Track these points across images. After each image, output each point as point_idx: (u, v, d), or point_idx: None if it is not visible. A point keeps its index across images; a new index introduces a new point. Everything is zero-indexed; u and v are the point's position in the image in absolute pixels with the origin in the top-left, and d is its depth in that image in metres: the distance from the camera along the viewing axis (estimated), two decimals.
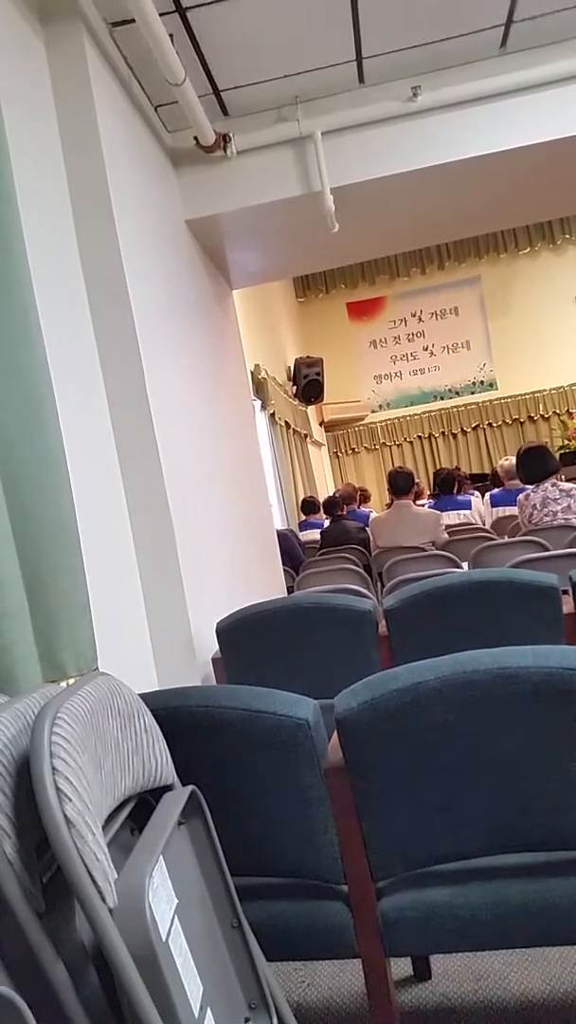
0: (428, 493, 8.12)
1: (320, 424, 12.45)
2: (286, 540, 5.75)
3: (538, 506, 4.14)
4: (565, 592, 2.40)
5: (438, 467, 9.86)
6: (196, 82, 3.26)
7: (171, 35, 2.78)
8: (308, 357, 10.45)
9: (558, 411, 12.45)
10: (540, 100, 3.60)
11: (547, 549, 3.52)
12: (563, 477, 6.14)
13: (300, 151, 3.71)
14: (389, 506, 5.41)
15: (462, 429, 12.87)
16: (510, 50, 3.60)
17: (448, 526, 5.17)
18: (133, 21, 2.65)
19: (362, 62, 3.50)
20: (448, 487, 5.98)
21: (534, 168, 3.91)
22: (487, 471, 10.76)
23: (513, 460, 5.04)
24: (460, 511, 5.83)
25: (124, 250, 2.65)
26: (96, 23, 2.74)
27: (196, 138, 3.53)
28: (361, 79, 3.65)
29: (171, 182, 3.68)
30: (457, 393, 12.90)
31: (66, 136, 2.59)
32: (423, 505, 6.02)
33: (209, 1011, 1.06)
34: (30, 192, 2.25)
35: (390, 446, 13.04)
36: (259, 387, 7.31)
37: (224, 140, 3.63)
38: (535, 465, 4.22)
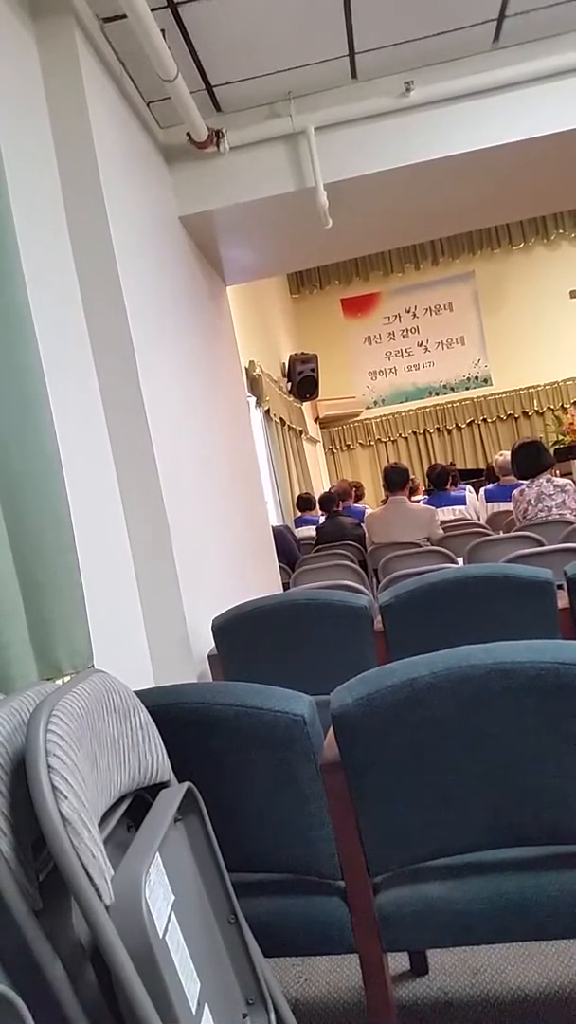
0: (423, 489, 8.12)
1: (315, 420, 12.44)
2: (282, 537, 5.75)
3: (533, 501, 4.15)
4: (560, 587, 2.40)
5: (433, 463, 9.86)
6: (188, 78, 3.25)
7: (163, 30, 2.77)
8: (303, 353, 10.44)
9: (552, 406, 12.47)
10: (533, 95, 3.60)
11: (542, 544, 3.53)
12: (558, 472, 6.14)
13: (293, 147, 3.71)
14: (384, 502, 5.41)
15: (457, 425, 12.88)
16: (503, 45, 3.60)
17: (443, 522, 5.18)
18: (125, 17, 2.64)
19: (355, 57, 3.49)
20: (441, 483, 5.98)
21: (528, 163, 3.91)
22: (482, 467, 10.77)
23: (508, 456, 5.04)
24: (454, 507, 5.84)
25: (117, 247, 2.64)
26: (87, 19, 2.73)
27: (189, 134, 3.52)
28: (354, 74, 3.64)
29: (164, 178, 3.67)
30: (452, 389, 12.91)
31: (58, 133, 2.58)
32: (418, 501, 6.02)
33: (207, 1007, 1.06)
34: (22, 189, 2.24)
35: (385, 442, 13.05)
36: (254, 384, 7.31)
37: (217, 136, 3.62)
38: (530, 461, 4.22)
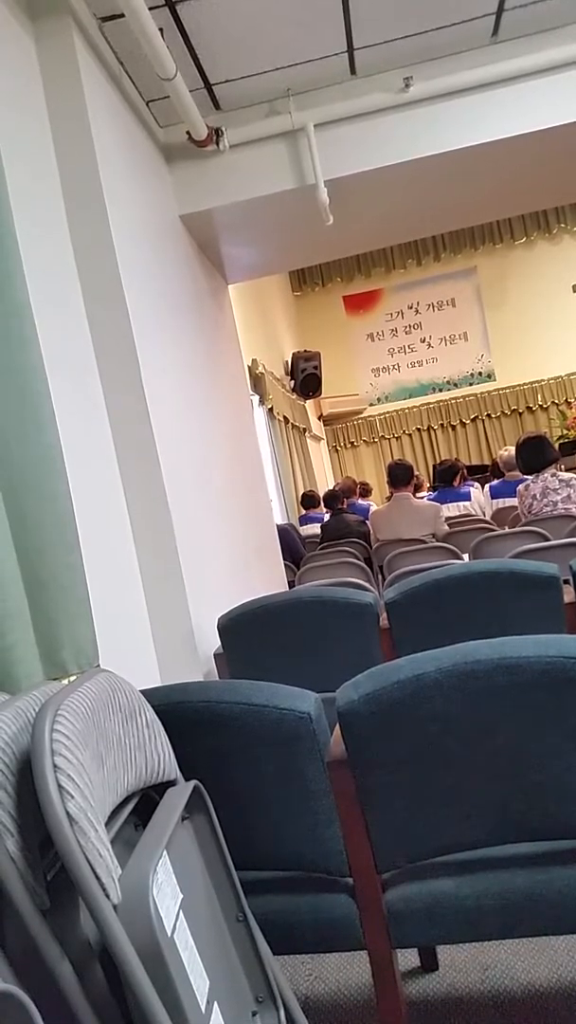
0: (428, 485, 8.11)
1: (319, 418, 12.43)
2: (286, 535, 5.74)
3: (538, 496, 4.14)
4: (566, 582, 2.39)
5: (438, 459, 9.84)
6: (187, 76, 3.25)
7: (161, 29, 2.77)
8: (305, 351, 10.43)
9: (556, 401, 12.44)
10: (532, 88, 3.59)
11: (547, 539, 3.52)
12: (562, 467, 6.13)
13: (293, 144, 3.70)
14: (389, 499, 5.41)
15: (461, 421, 12.86)
16: (502, 39, 3.58)
17: (448, 518, 5.17)
18: (123, 16, 2.64)
19: (353, 53, 3.48)
20: (449, 478, 5.96)
21: (528, 157, 3.90)
22: (486, 462, 10.76)
23: (512, 451, 5.03)
24: (460, 503, 5.83)
25: (118, 246, 2.64)
26: (85, 18, 2.73)
27: (188, 133, 3.52)
28: (353, 70, 3.63)
29: (164, 177, 3.67)
30: (455, 385, 12.88)
31: (57, 132, 2.58)
32: (423, 497, 6.01)
33: (216, 1005, 1.06)
34: (22, 189, 2.24)
35: (389, 439, 13.03)
36: (257, 382, 7.31)
37: (216, 134, 3.61)
38: (534, 455, 4.21)
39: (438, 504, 5.23)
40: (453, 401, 12.86)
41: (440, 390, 12.92)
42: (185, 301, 3.66)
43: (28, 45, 2.53)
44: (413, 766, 1.29)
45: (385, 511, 5.25)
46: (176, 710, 1.38)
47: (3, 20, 2.38)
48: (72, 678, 1.56)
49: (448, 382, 12.90)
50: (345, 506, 6.24)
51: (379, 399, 13.04)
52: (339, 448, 13.21)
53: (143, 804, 1.21)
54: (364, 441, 13.10)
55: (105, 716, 1.11)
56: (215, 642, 2.71)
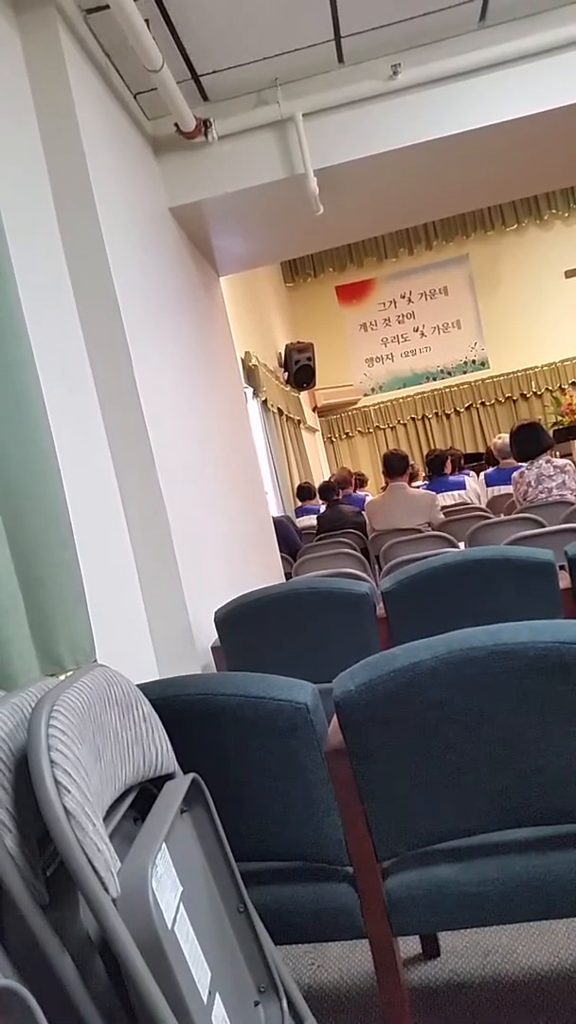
0: (423, 475, 8.10)
1: (313, 410, 12.42)
2: (283, 526, 5.74)
3: (533, 483, 4.14)
4: (562, 567, 2.40)
5: (433, 448, 9.84)
6: (174, 68, 3.23)
7: (147, 20, 2.74)
8: (299, 342, 10.40)
9: (550, 387, 12.44)
10: (520, 74, 3.57)
11: (543, 526, 3.52)
12: (557, 453, 6.14)
13: (282, 134, 3.69)
14: (384, 489, 5.41)
15: (455, 409, 12.85)
16: (489, 24, 3.57)
17: (443, 506, 5.17)
18: (108, 7, 2.62)
19: (340, 41, 3.46)
20: (438, 468, 5.97)
21: (517, 142, 3.88)
22: (481, 451, 10.76)
23: (507, 438, 5.03)
24: (453, 491, 5.83)
25: (107, 240, 2.63)
26: (70, 10, 2.71)
27: (176, 124, 3.50)
28: (340, 59, 3.61)
29: (153, 170, 3.65)
30: (449, 373, 12.87)
31: (45, 127, 2.56)
32: (418, 487, 6.01)
33: (218, 996, 1.06)
34: (9, 185, 2.23)
35: (384, 429, 13.03)
36: (250, 374, 7.29)
37: (205, 125, 3.59)
38: (528, 442, 4.21)
39: (433, 493, 5.22)
40: (447, 390, 12.85)
41: (434, 379, 12.91)
42: (177, 294, 3.65)
43: (13, 39, 2.51)
44: (411, 754, 1.29)
45: (381, 501, 5.25)
46: (173, 703, 1.38)
47: None
48: (68, 674, 1.56)
49: (442, 371, 12.88)
50: (341, 497, 6.24)
51: (373, 389, 13.03)
52: (334, 439, 13.20)
53: (141, 798, 1.21)
54: (359, 432, 13.10)
55: (102, 710, 1.12)
56: (212, 635, 2.71)
